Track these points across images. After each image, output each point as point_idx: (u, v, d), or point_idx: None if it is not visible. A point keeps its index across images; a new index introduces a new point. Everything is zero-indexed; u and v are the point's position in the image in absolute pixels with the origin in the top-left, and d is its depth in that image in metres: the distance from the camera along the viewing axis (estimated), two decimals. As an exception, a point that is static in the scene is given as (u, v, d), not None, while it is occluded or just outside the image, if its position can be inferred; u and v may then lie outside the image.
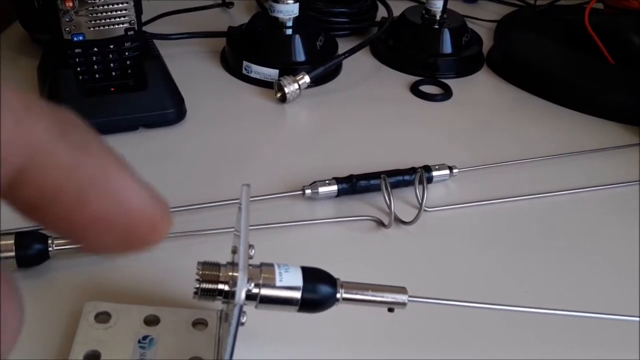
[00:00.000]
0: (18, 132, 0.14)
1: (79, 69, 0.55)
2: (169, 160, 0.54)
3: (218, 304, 0.36)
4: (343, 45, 0.72)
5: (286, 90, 0.63)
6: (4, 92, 0.14)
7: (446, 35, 0.73)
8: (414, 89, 0.69)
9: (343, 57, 0.69)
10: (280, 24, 0.68)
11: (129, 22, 0.55)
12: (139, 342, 0.35)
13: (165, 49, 0.65)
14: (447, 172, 0.53)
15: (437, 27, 0.74)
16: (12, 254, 0.39)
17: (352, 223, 0.49)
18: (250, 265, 0.31)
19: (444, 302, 0.35)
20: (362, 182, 0.50)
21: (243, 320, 0.29)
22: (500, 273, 0.45)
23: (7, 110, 0.14)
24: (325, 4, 0.80)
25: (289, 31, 0.68)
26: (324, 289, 0.32)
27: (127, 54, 0.57)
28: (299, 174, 0.52)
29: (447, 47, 0.73)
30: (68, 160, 0.15)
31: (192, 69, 0.70)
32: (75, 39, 0.54)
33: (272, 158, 0.56)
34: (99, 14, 0.53)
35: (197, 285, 0.32)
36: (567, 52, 0.73)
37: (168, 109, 0.58)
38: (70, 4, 0.52)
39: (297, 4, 0.67)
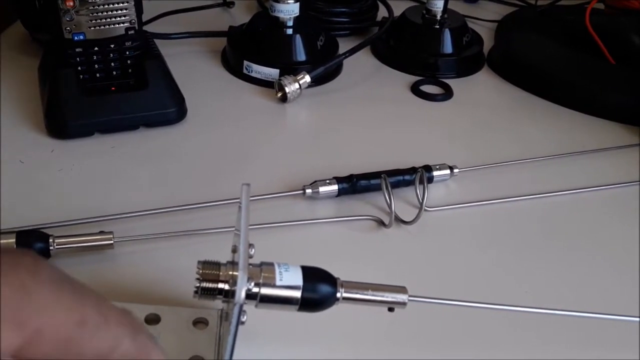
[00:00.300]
0: (108, 339, 0.24)
1: (79, 68, 0.55)
2: (169, 159, 0.54)
3: (218, 303, 0.36)
4: (344, 45, 0.72)
5: (287, 89, 0.63)
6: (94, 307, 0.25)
7: (447, 35, 0.73)
8: (415, 89, 0.69)
9: (344, 56, 0.69)
10: (280, 24, 0.68)
11: (130, 22, 0.55)
12: (140, 341, 0.35)
13: (165, 49, 0.65)
14: (447, 172, 0.53)
15: (437, 27, 0.74)
16: (13, 252, 0.40)
17: (352, 223, 0.49)
18: (250, 264, 0.31)
19: (444, 302, 0.35)
20: (363, 182, 0.50)
21: (243, 319, 0.29)
22: (500, 273, 0.45)
23: (109, 331, 0.25)
24: (325, 3, 0.80)
25: (290, 31, 0.68)
26: (324, 288, 0.32)
27: (127, 53, 0.57)
28: (299, 173, 0.53)
29: (448, 47, 0.73)
30: (135, 353, 0.25)
31: (193, 69, 0.70)
32: (75, 38, 0.54)
33: (272, 157, 0.56)
34: (100, 14, 0.53)
35: (198, 284, 0.32)
36: (568, 52, 0.73)
37: (169, 108, 0.58)
38: (71, 4, 0.52)
39: (298, 4, 0.67)
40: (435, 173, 0.53)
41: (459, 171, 0.54)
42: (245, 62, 0.68)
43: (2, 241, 0.40)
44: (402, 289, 0.33)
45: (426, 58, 0.73)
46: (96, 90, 0.56)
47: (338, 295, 0.32)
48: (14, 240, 0.40)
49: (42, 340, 0.23)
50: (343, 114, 0.64)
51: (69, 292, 0.24)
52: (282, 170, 0.54)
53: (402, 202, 0.51)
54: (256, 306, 0.31)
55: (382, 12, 0.82)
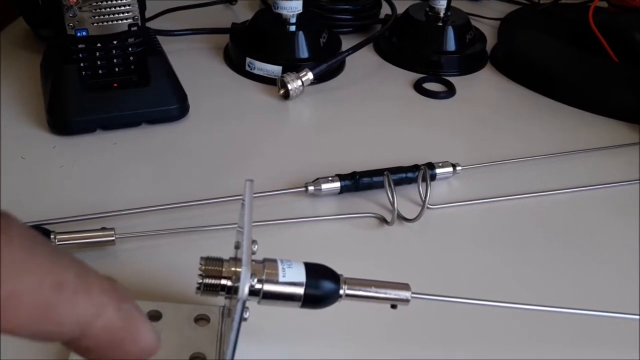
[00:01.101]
0: (89, 306, 0.23)
1: (82, 64, 0.55)
2: (171, 156, 0.54)
3: (220, 300, 0.36)
4: (346, 43, 0.72)
5: (289, 87, 0.63)
6: (86, 279, 0.23)
7: (450, 33, 0.73)
8: (418, 87, 0.69)
9: (346, 54, 0.68)
10: (283, 21, 0.68)
11: (133, 18, 0.55)
12: (141, 337, 0.35)
13: (168, 45, 0.65)
14: (450, 169, 0.53)
15: (441, 24, 0.74)
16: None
17: (354, 220, 0.49)
18: (253, 260, 0.31)
19: (447, 299, 0.35)
20: (365, 179, 0.50)
21: (246, 315, 0.29)
22: (503, 270, 0.45)
23: (91, 299, 0.23)
24: (328, 1, 0.80)
25: (293, 28, 0.68)
26: (327, 285, 0.32)
27: (130, 49, 0.56)
28: (301, 170, 0.52)
29: (451, 45, 0.73)
30: (120, 324, 0.23)
31: (196, 65, 0.70)
32: (78, 34, 0.54)
33: (274, 155, 0.56)
34: (103, 10, 0.53)
35: (200, 281, 0.31)
36: (571, 50, 0.72)
37: (171, 105, 0.58)
38: (74, 0, 0.52)
39: (301, 1, 0.67)
40: (438, 170, 0.52)
41: (462, 169, 0.53)
42: (248, 59, 0.68)
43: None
44: (405, 286, 0.33)
45: (429, 55, 0.73)
46: (98, 87, 0.56)
47: (341, 292, 0.32)
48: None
49: (16, 305, 0.21)
50: (345, 111, 0.64)
51: (44, 253, 0.22)
52: (284, 168, 0.54)
53: (404, 199, 0.51)
54: (259, 302, 0.31)
55: (385, 10, 0.82)
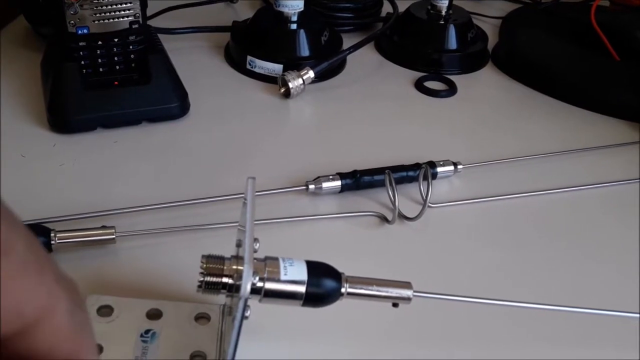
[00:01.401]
0: (39, 292, 0.17)
1: (82, 62, 0.55)
2: (172, 154, 0.54)
3: (221, 299, 0.36)
4: (348, 41, 0.72)
5: (290, 85, 0.63)
6: (41, 267, 0.18)
7: (451, 31, 0.73)
8: (419, 85, 0.69)
9: (347, 52, 0.68)
10: (285, 19, 0.68)
11: (134, 16, 0.55)
12: (141, 336, 0.35)
13: (169, 44, 0.64)
14: (451, 168, 0.53)
15: (442, 22, 0.73)
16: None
17: (355, 219, 0.48)
18: (255, 258, 0.31)
19: (448, 298, 0.35)
20: (366, 178, 0.50)
21: (247, 314, 0.29)
22: (503, 269, 0.45)
23: (42, 282, 0.17)
24: (330, -1, 0.80)
25: (294, 26, 0.68)
26: (329, 283, 0.32)
27: (131, 47, 0.56)
28: (302, 169, 0.52)
29: (452, 43, 0.73)
30: (69, 335, 0.18)
31: (196, 64, 0.69)
32: (79, 32, 0.54)
33: (275, 153, 0.56)
34: (104, 7, 0.53)
35: (201, 279, 0.31)
36: (572, 49, 0.72)
37: (171, 103, 0.58)
38: (75, -3, 0.52)
39: (302, -1, 0.67)
40: (439, 169, 0.52)
41: (463, 167, 0.53)
42: (249, 57, 0.67)
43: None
44: (407, 285, 0.33)
45: (430, 54, 0.73)
46: (99, 85, 0.56)
47: (343, 290, 0.32)
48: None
49: None
50: (346, 109, 0.64)
51: None
52: (285, 166, 0.53)
53: (404, 198, 0.50)
54: (260, 301, 0.31)
55: (386, 8, 0.81)
